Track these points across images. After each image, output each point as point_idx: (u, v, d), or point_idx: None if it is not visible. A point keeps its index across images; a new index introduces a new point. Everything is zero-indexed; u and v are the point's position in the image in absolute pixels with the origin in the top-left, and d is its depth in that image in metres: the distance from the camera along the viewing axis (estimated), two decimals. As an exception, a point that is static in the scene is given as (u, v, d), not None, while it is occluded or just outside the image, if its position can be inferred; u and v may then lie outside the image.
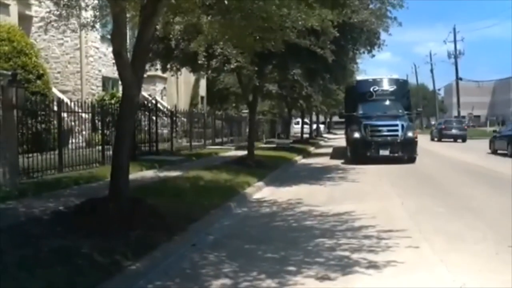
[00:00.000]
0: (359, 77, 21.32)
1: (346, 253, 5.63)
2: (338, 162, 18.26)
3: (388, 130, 17.36)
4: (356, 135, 17.53)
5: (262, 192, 11.04)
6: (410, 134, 17.34)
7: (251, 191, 10.56)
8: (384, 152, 16.97)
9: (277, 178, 13.49)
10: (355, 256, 5.50)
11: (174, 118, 20.38)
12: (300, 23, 8.51)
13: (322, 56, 11.43)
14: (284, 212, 8.50)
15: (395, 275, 4.83)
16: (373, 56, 14.04)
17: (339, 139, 41.11)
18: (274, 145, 24.85)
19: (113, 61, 22.39)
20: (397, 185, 11.83)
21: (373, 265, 5.11)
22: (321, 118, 58.06)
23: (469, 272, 4.87)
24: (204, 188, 9.92)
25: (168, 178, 11.28)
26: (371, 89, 20.33)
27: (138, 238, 5.71)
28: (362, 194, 10.38)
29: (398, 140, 17.10)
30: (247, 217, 8.23)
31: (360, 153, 17.28)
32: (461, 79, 59.90)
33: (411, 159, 17.16)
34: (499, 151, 21.99)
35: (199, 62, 10.90)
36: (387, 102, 19.93)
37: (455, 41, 58.28)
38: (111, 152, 13.89)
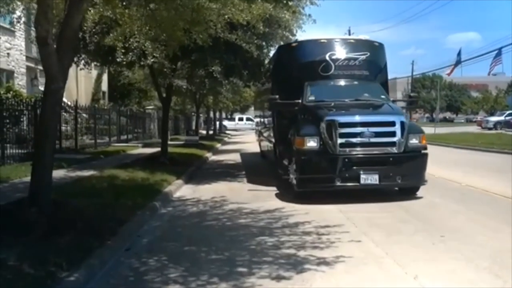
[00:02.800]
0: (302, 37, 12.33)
1: (292, 251, 5.56)
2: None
3: (377, 134, 8.90)
4: (311, 143, 8.92)
5: (182, 190, 10.70)
6: (414, 140, 9.10)
7: (171, 190, 10.17)
8: (370, 179, 8.68)
9: (194, 175, 13.21)
10: (302, 253, 5.45)
11: (77, 114, 19.18)
12: (226, 16, 8.36)
13: (242, 52, 11.34)
14: (213, 211, 8.26)
15: (347, 271, 4.85)
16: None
17: (242, 136, 41.53)
18: (181, 142, 24.36)
19: (7, 51, 20.43)
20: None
21: (323, 262, 5.10)
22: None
23: (416, 263, 5.02)
24: (124, 187, 9.39)
25: (82, 178, 10.55)
26: (327, 57, 10.95)
27: (69, 245, 5.20)
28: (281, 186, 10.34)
29: (396, 155, 8.89)
30: (175, 217, 7.88)
31: (318, 180, 8.84)
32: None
33: (410, 191, 9.29)
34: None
35: (118, 59, 10.25)
36: (359, 82, 10.98)
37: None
38: (10, 151, 12.82)
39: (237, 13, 8.16)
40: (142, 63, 10.91)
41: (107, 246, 5.58)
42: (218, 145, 27.80)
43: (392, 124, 8.98)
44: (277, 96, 10.38)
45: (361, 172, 8.65)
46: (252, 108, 48.63)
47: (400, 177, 8.83)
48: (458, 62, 53.18)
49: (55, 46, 5.58)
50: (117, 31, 9.20)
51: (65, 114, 20.05)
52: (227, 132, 49.73)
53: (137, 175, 10.99)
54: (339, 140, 8.79)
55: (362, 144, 8.89)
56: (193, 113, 39.51)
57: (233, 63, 11.42)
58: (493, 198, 9.12)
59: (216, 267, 5.04)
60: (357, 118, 9.24)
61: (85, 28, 9.93)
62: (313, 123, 9.35)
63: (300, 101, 10.24)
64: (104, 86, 32.10)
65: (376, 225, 6.85)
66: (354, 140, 8.89)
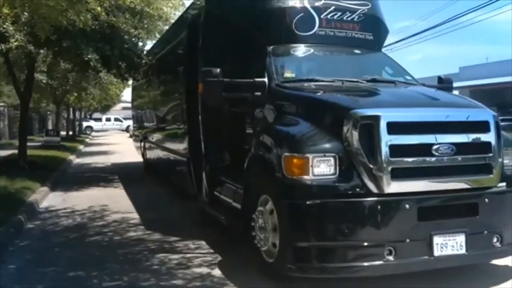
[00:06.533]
0: None
1: (205, 269, 4.75)
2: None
3: (460, 149, 4.13)
4: (323, 168, 3.92)
5: (49, 199, 9.20)
6: (508, 161, 4.47)
7: (37, 199, 8.64)
8: (451, 246, 3.95)
9: (61, 181, 11.63)
10: (216, 272, 4.66)
11: None
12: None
13: (120, 42, 10.19)
14: (93, 223, 7.06)
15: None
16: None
17: (106, 136, 38.92)
18: (38, 143, 21.78)
19: None
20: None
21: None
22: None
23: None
24: (-24, 198, 7.70)
25: None
26: (306, 3, 5.89)
27: None
28: (173, 194, 9.36)
29: (494, 191, 4.24)
30: (48, 233, 6.53)
31: (343, 252, 3.85)
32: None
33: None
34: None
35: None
36: (362, 51, 6.24)
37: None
38: None
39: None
40: (1, 48, 9.14)
41: (-38, 280, 4.25)
42: (81, 147, 25.55)
43: (485, 127, 4.32)
44: (218, 70, 5.23)
45: (434, 233, 3.97)
46: (115, 108, 46.18)
47: (499, 237, 4.24)
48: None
49: None
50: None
51: None
52: (92, 133, 46.44)
53: (-9, 183, 9.22)
54: (390, 162, 3.96)
55: (433, 171, 4.13)
56: (48, 112, 36.06)
57: (109, 53, 10.13)
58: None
59: (117, 298, 4.04)
60: (428, 114, 4.32)
61: None
62: (316, 125, 4.37)
63: (265, 80, 5.30)
64: None
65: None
66: (418, 161, 4.09)
